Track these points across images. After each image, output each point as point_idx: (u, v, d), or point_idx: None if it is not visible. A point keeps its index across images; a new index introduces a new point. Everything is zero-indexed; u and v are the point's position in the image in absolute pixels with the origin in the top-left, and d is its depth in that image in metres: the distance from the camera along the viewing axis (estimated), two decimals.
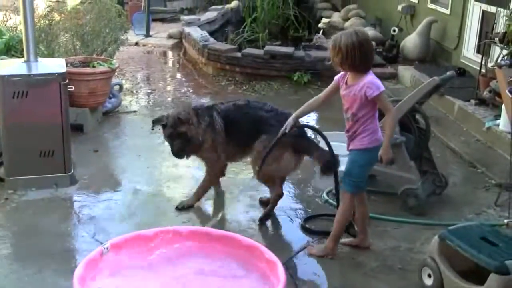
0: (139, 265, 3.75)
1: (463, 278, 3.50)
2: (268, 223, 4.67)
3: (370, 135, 3.88)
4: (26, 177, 5.03)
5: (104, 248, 3.64)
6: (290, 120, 4.12)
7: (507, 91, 4.55)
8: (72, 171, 5.18)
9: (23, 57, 5.15)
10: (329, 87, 4.04)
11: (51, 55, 6.83)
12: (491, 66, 6.55)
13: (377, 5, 11.88)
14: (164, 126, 4.70)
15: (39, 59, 5.20)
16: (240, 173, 5.41)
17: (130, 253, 3.77)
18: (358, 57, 3.74)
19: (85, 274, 3.41)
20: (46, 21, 7.59)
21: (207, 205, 4.92)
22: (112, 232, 4.32)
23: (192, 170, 5.56)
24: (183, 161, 5.73)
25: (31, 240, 4.26)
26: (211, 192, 5.04)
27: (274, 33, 11.95)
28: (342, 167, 5.10)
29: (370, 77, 3.81)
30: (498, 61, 5.91)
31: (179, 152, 4.71)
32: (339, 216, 4.08)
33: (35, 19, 5.92)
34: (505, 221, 3.33)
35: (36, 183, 5.02)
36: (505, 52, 6.11)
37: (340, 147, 4.22)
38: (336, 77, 4.00)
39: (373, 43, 9.29)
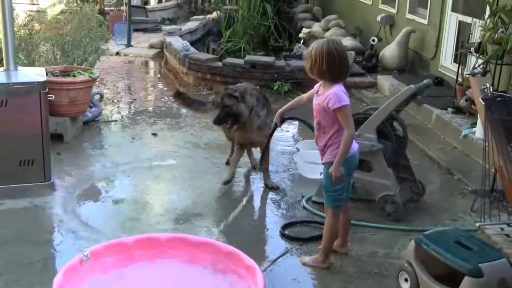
0: (118, 272, 3.77)
1: (439, 281, 3.56)
2: (248, 230, 4.72)
3: (339, 147, 3.82)
4: (6, 186, 5.02)
5: (84, 256, 3.67)
6: (277, 115, 4.37)
7: (480, 99, 4.62)
8: (52, 180, 5.18)
9: (2, 66, 5.15)
10: (312, 90, 4.05)
11: (31, 64, 6.82)
12: (465, 75, 6.67)
13: (357, 15, 12.00)
14: None
15: (19, 68, 5.21)
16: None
17: (110, 261, 3.79)
18: (326, 65, 3.72)
19: (64, 282, 3.43)
20: (26, 31, 7.60)
21: (191, 214, 4.94)
22: (92, 240, 4.33)
23: (172, 178, 5.60)
24: (162, 170, 5.79)
25: (10, 248, 4.25)
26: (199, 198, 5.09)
27: (254, 43, 12.03)
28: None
29: (336, 89, 3.77)
30: (472, 70, 6.02)
31: None
32: (325, 231, 4.09)
33: (15, 29, 5.93)
34: (477, 224, 3.39)
35: (15, 192, 5.01)
36: (480, 61, 6.21)
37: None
38: (316, 85, 4.04)
39: (353, 53, 9.43)
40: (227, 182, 5.38)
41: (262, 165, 5.39)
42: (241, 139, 5.43)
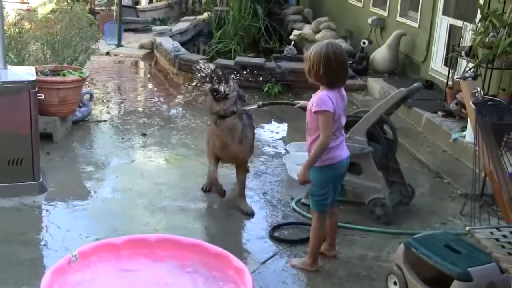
0: (107, 273, 3.74)
1: (428, 285, 3.56)
2: (237, 231, 4.71)
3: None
4: None
5: (73, 256, 3.63)
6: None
7: (470, 103, 4.65)
8: (41, 180, 5.15)
9: None
10: None
11: (21, 63, 6.79)
12: (456, 78, 6.69)
13: (348, 18, 12.02)
14: None
15: (9, 66, 5.17)
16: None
17: (99, 261, 3.76)
18: (323, 68, 3.70)
19: (52, 282, 3.40)
20: (16, 29, 7.55)
21: (180, 215, 4.92)
22: (81, 240, 4.30)
23: (161, 178, 5.58)
24: (151, 170, 5.77)
25: None
26: (190, 202, 5.08)
27: (245, 44, 12.04)
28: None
29: (322, 93, 3.75)
30: (463, 73, 6.03)
31: None
32: (312, 233, 4.09)
33: (5, 27, 5.89)
34: (467, 228, 3.40)
35: (4, 191, 4.97)
36: (471, 65, 6.23)
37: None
38: None
39: None
40: (206, 190, 5.28)
41: (237, 189, 5.08)
42: (220, 152, 4.99)
